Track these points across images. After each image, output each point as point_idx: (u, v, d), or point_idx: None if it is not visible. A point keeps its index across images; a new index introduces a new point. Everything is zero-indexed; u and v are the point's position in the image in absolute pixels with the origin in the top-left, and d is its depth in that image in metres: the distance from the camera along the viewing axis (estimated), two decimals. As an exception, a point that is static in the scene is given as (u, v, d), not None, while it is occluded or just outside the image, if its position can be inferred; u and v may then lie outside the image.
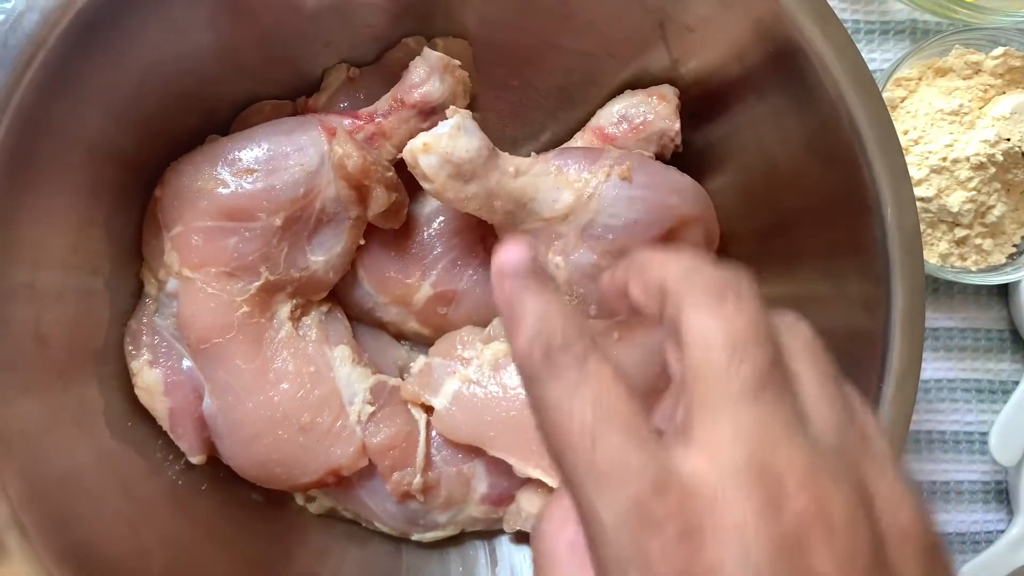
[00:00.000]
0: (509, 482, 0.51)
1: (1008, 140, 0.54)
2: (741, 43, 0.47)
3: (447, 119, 0.46)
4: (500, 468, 0.51)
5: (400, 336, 0.55)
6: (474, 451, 0.51)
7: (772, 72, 0.47)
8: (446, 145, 0.46)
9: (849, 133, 0.44)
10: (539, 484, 0.50)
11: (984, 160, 0.54)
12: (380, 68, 0.53)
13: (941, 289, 0.63)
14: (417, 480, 0.50)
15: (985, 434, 0.62)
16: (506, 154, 0.48)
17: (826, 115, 0.45)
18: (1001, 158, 0.54)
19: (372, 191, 0.48)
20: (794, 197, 0.49)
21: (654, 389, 0.49)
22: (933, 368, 0.63)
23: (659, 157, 0.52)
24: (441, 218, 0.53)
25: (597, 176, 0.48)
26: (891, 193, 0.43)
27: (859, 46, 0.61)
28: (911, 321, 0.44)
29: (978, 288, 0.63)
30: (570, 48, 0.53)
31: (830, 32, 0.44)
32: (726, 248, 0.53)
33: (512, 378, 0.50)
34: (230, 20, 0.47)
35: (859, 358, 0.45)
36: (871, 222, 0.44)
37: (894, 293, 0.44)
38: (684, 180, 0.50)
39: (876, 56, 0.62)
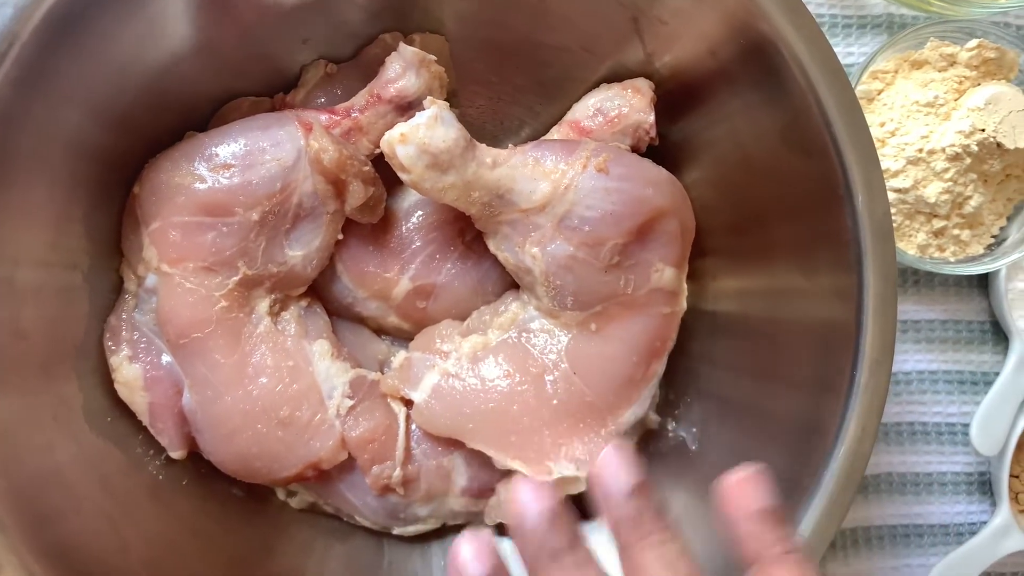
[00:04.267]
0: (489, 475, 0.52)
1: (983, 131, 0.54)
2: (713, 36, 0.48)
3: (424, 110, 0.46)
4: (480, 461, 0.51)
5: (380, 331, 0.56)
6: (454, 444, 0.51)
7: (745, 64, 0.47)
8: (423, 135, 0.46)
9: (820, 122, 0.44)
10: (519, 476, 0.50)
11: (960, 151, 0.55)
12: (357, 64, 0.53)
13: (922, 281, 0.63)
14: (397, 473, 0.50)
15: (967, 425, 0.62)
16: (483, 145, 0.49)
17: (798, 106, 0.45)
18: (976, 149, 0.55)
19: (349, 185, 0.48)
20: (768, 189, 0.50)
21: (631, 380, 0.50)
22: (915, 360, 0.63)
23: (635, 150, 0.52)
24: (420, 212, 0.53)
25: (574, 167, 0.48)
26: (862, 180, 0.44)
27: (836, 40, 0.62)
28: (883, 308, 0.44)
29: (959, 280, 0.63)
30: (546, 43, 0.54)
31: (800, 23, 0.44)
32: (702, 242, 0.54)
33: (491, 370, 0.50)
34: (208, 17, 0.48)
35: (833, 348, 0.45)
36: (843, 211, 0.44)
37: (866, 280, 0.44)
38: (660, 172, 0.50)
39: (854, 50, 0.63)
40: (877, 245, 0.44)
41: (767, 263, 0.51)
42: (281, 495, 0.54)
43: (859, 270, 0.44)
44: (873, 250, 0.44)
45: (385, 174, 0.50)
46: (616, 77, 0.54)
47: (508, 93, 0.57)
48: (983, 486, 0.63)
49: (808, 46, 0.44)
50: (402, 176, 0.47)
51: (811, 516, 0.44)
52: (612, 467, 0.33)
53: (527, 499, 0.32)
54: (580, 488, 0.50)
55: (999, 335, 0.63)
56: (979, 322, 0.64)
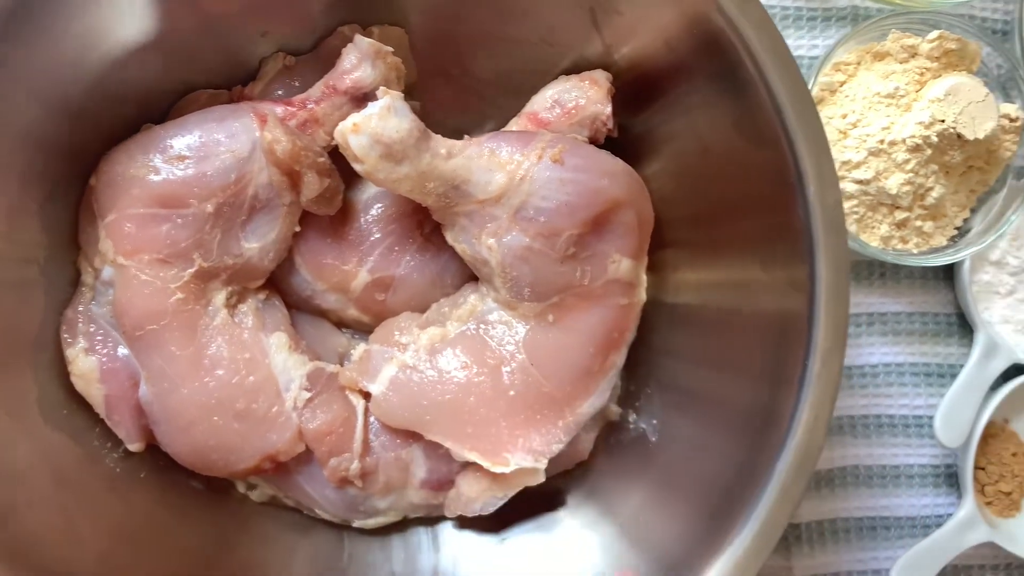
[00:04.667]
0: (448, 467, 0.51)
1: (943, 121, 0.54)
2: (668, 27, 0.48)
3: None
4: (438, 453, 0.51)
5: (341, 324, 0.56)
6: (412, 436, 0.51)
7: (700, 56, 0.47)
8: (376, 125, 0.46)
9: (772, 113, 0.44)
10: (478, 468, 0.50)
11: (920, 142, 0.55)
12: (316, 56, 0.53)
13: (888, 274, 0.63)
14: (355, 466, 0.50)
15: (933, 418, 0.62)
16: (438, 136, 0.49)
17: (750, 96, 0.45)
18: (936, 140, 0.55)
19: (304, 176, 0.48)
20: (725, 182, 0.50)
21: (588, 371, 0.50)
22: (881, 353, 0.63)
23: (593, 141, 0.52)
24: (379, 204, 0.53)
25: (529, 158, 0.48)
26: (813, 170, 0.44)
27: (800, 32, 0.62)
28: (835, 298, 0.44)
29: (925, 272, 0.63)
30: (507, 36, 0.54)
31: (752, 14, 0.44)
32: (662, 234, 0.54)
33: (448, 362, 0.50)
34: (164, 9, 0.48)
35: (788, 338, 0.45)
36: (795, 200, 0.44)
37: (818, 270, 0.44)
38: (616, 163, 0.50)
39: (818, 42, 0.63)
40: (829, 235, 0.44)
41: (726, 255, 0.51)
42: (241, 488, 0.54)
43: (811, 260, 0.44)
44: (825, 240, 0.44)
45: (344, 166, 0.50)
46: (577, 70, 0.54)
47: (471, 86, 0.57)
48: (950, 478, 0.63)
49: (760, 37, 0.44)
50: (355, 166, 0.47)
51: (764, 505, 0.44)
52: None
53: None
54: (539, 480, 0.50)
55: (965, 327, 0.63)
56: (945, 314, 0.64)
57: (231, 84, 0.54)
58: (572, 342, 0.50)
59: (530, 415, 0.50)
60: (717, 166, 0.50)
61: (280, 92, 0.53)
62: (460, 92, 0.57)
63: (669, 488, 0.51)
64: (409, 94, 0.56)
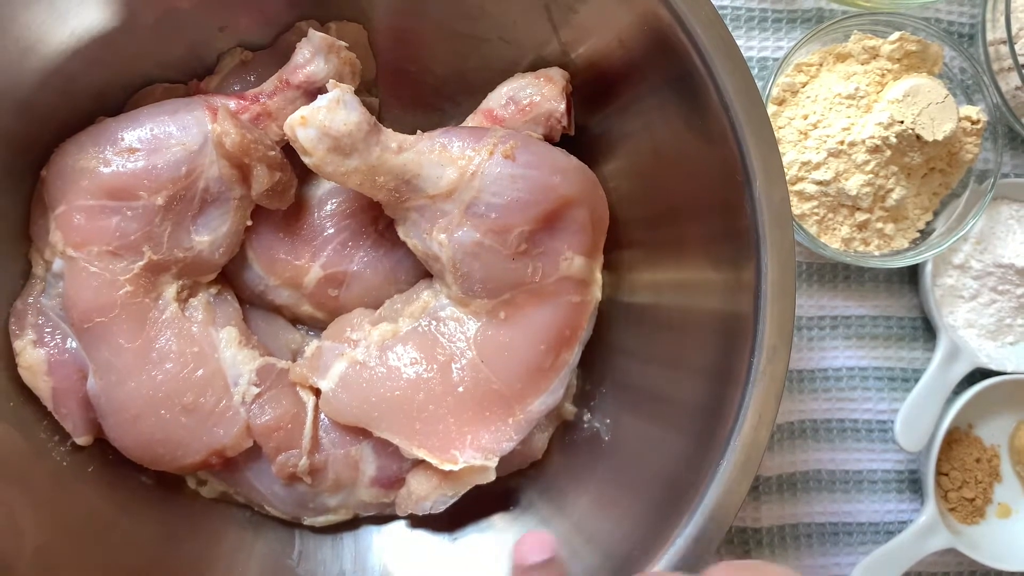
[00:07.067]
0: (398, 465, 0.51)
1: (901, 122, 0.54)
2: (620, 23, 0.48)
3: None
4: (388, 450, 0.51)
5: (296, 320, 0.55)
6: (362, 433, 0.51)
7: (652, 52, 0.47)
8: (324, 118, 0.46)
9: (720, 108, 0.44)
10: (428, 466, 0.49)
11: (879, 143, 0.55)
12: (274, 51, 0.53)
13: (852, 277, 0.63)
14: (303, 462, 0.50)
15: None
16: (389, 130, 0.48)
17: (700, 93, 0.45)
18: (895, 141, 0.54)
19: (254, 170, 0.48)
20: (679, 181, 0.50)
21: (539, 368, 0.50)
22: (845, 356, 0.63)
23: (548, 139, 0.52)
24: (334, 200, 0.53)
25: (481, 154, 0.48)
26: (760, 164, 0.44)
27: (766, 34, 0.62)
28: (782, 295, 0.44)
29: (889, 275, 0.63)
30: (463, 32, 0.54)
31: (698, 9, 0.44)
32: (620, 234, 0.53)
33: (398, 358, 0.50)
34: (121, 4, 0.48)
35: (735, 336, 0.45)
36: (744, 197, 0.44)
37: (764, 267, 0.44)
38: (569, 161, 0.50)
39: (783, 44, 0.62)
40: (775, 231, 0.44)
41: (680, 255, 0.51)
42: (192, 484, 0.53)
43: (758, 257, 0.44)
44: (771, 236, 0.44)
45: (299, 161, 0.50)
46: (536, 69, 0.54)
47: (430, 83, 0.57)
48: (913, 484, 0.63)
49: (708, 34, 0.44)
50: (304, 159, 0.47)
51: (709, 502, 0.43)
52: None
53: (527, 549, 0.38)
54: (490, 478, 0.49)
55: (929, 331, 0.63)
56: (909, 318, 0.63)
57: (189, 78, 0.54)
58: (523, 339, 0.50)
59: (479, 412, 0.49)
60: (671, 165, 0.50)
61: (236, 86, 0.53)
62: (419, 89, 0.57)
63: (620, 486, 0.50)
64: (368, 91, 0.56)
